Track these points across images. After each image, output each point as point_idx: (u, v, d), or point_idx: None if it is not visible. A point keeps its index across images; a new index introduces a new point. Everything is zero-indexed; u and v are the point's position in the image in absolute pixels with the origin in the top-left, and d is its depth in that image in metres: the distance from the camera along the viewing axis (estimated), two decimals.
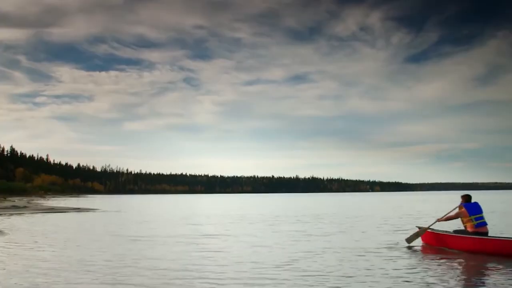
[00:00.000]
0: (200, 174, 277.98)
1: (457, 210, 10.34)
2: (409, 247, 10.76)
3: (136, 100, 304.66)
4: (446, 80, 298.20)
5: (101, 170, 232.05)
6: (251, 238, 13.33)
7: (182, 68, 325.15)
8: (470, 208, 10.00)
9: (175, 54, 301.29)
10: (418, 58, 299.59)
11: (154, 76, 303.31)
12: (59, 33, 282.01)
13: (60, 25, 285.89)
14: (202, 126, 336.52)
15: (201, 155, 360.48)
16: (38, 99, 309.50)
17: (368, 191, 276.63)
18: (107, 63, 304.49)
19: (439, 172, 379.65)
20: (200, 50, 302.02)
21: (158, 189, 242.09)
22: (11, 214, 27.29)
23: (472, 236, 9.63)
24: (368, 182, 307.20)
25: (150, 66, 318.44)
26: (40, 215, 27.33)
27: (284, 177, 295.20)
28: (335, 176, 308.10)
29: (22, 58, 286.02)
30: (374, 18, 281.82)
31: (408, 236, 11.27)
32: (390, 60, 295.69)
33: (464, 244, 9.69)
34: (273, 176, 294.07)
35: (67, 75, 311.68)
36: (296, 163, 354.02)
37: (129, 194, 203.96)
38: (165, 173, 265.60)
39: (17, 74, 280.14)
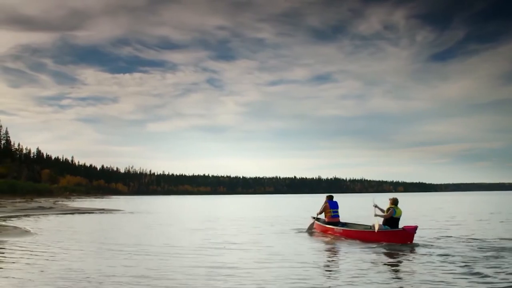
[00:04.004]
0: (222, 175, 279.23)
1: (323, 205, 14.98)
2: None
3: (160, 101, 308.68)
4: (472, 78, 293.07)
5: (125, 171, 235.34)
6: (270, 249, 11.32)
7: (205, 69, 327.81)
8: (331, 204, 14.84)
9: (198, 55, 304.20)
10: (443, 56, 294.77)
11: (178, 77, 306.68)
12: (83, 36, 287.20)
13: (84, 28, 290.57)
14: (224, 127, 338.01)
15: (224, 155, 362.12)
16: (63, 102, 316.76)
17: (391, 192, 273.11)
18: (131, 65, 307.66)
19: (464, 172, 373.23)
20: (223, 51, 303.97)
21: (181, 190, 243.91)
22: (38, 215, 27.52)
23: (330, 226, 14.32)
24: (391, 183, 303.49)
25: (173, 67, 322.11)
26: (65, 216, 27.49)
27: (306, 178, 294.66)
28: (358, 177, 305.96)
29: (48, 61, 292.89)
30: (398, 16, 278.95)
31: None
32: (414, 58, 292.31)
33: (328, 230, 14.36)
34: (295, 177, 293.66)
35: (92, 78, 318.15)
36: (318, 164, 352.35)
37: (152, 195, 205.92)
38: (187, 174, 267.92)
39: (43, 77, 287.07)
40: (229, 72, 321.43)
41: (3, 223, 19.79)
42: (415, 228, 11.66)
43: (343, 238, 13.13)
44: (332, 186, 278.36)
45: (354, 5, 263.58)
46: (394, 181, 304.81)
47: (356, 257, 9.82)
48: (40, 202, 51.24)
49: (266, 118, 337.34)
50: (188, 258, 9.69)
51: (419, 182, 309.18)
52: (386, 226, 12.30)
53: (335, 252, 10.99)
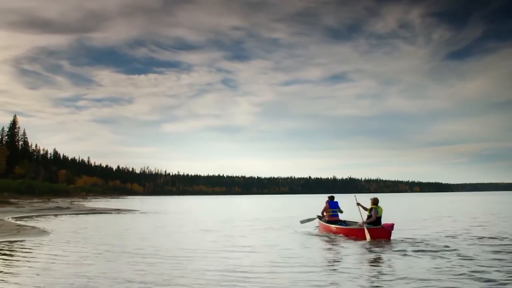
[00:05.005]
0: (237, 175, 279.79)
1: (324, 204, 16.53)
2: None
3: (175, 102, 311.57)
4: (490, 77, 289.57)
5: (140, 171, 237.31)
6: (284, 252, 11.05)
7: (220, 70, 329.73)
8: (331, 204, 16.25)
9: (213, 55, 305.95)
10: (460, 54, 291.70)
11: (192, 78, 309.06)
12: (99, 38, 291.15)
13: (100, 30, 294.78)
14: (239, 127, 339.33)
15: (238, 156, 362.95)
16: (80, 103, 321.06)
17: (407, 192, 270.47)
18: (146, 66, 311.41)
19: (481, 172, 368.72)
20: (238, 51, 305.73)
21: (196, 190, 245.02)
22: (55, 215, 27.86)
23: (329, 225, 15.57)
24: (407, 183, 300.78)
25: (188, 68, 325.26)
26: (82, 216, 27.79)
27: (321, 178, 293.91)
28: (373, 177, 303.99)
29: (64, 63, 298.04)
30: (414, 15, 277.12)
31: (303, 219, 17.92)
32: (431, 57, 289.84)
33: (326, 228, 15.81)
34: (310, 177, 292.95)
35: (108, 79, 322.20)
36: (333, 163, 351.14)
37: (167, 195, 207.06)
38: (202, 174, 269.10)
39: (60, 79, 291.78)
40: (244, 73, 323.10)
41: (22, 222, 20.08)
42: (392, 225, 13.18)
43: (337, 236, 14.45)
44: (347, 186, 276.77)
45: (370, 4, 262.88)
46: (410, 181, 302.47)
47: (365, 258, 9.82)
48: (57, 202, 51.88)
49: (280, 118, 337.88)
50: (200, 261, 9.62)
51: (436, 182, 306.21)
52: (370, 225, 13.55)
53: (343, 253, 10.88)
